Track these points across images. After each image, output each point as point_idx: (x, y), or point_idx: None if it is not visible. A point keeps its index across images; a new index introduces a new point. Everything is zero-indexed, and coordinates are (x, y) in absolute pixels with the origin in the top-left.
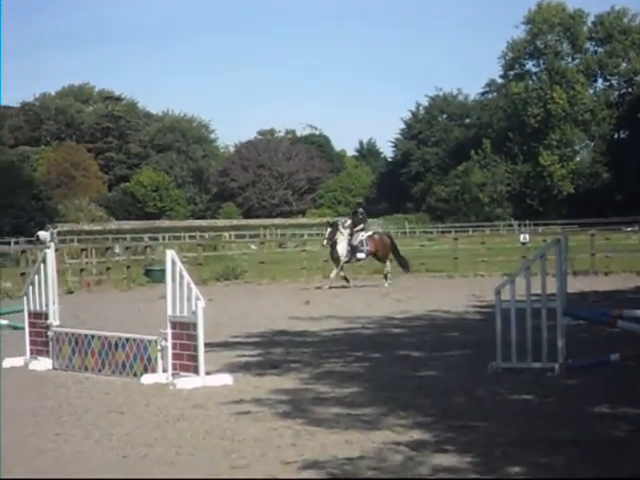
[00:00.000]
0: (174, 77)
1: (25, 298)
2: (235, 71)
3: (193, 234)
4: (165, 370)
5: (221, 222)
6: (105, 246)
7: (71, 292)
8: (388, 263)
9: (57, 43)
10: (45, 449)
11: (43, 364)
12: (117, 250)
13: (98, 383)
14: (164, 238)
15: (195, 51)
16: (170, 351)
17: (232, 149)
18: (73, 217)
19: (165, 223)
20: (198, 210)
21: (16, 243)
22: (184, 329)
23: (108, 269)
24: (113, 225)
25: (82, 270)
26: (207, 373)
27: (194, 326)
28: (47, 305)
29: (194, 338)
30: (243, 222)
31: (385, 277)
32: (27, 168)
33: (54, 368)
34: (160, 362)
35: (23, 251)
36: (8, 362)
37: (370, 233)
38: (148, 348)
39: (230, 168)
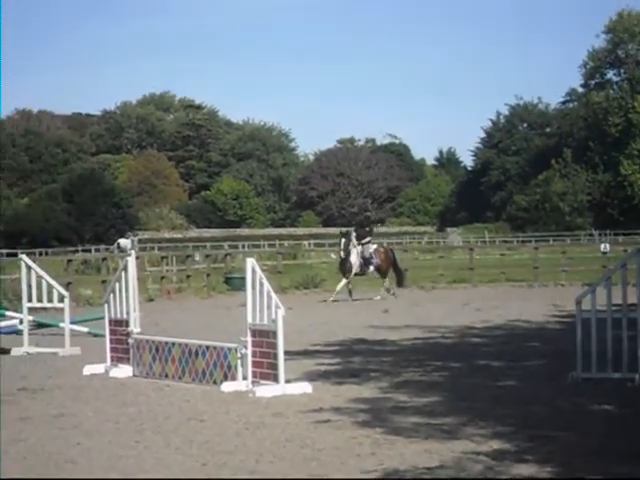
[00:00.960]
0: (255, 86)
1: (106, 305)
2: (315, 80)
3: (272, 242)
4: (245, 378)
5: (300, 230)
6: (185, 254)
7: (151, 300)
8: (387, 278)
9: (138, 51)
10: (126, 456)
11: (124, 371)
12: (197, 258)
13: (178, 390)
14: (244, 246)
15: (275, 60)
16: (250, 359)
17: (312, 157)
18: (154, 225)
19: (245, 231)
20: (277, 218)
21: (97, 251)
22: (264, 337)
23: (188, 277)
24: (193, 233)
25: (162, 278)
26: (287, 381)
27: (274, 334)
28: (128, 312)
29: (274, 346)
30: (322, 230)
31: (387, 290)
32: (108, 176)
33: (134, 375)
34: (240, 370)
35: (104, 259)
36: (89, 369)
37: (375, 246)
38: (228, 356)
39: (310, 176)
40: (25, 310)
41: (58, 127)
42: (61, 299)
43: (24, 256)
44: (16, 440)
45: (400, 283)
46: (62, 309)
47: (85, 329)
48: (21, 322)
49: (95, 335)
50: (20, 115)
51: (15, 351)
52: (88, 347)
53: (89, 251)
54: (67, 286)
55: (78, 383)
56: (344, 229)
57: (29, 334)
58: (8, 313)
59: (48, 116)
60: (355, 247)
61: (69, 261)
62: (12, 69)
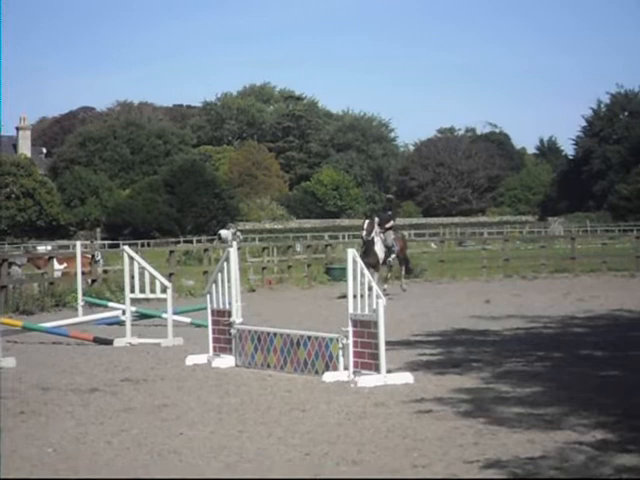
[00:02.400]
0: (354, 76)
1: (208, 296)
2: (415, 70)
3: None
4: (346, 368)
5: (400, 221)
6: (286, 244)
7: (253, 290)
8: (403, 267)
9: (239, 43)
10: (228, 446)
11: (226, 361)
12: (298, 248)
13: (280, 380)
14: (344, 237)
15: (374, 50)
16: (351, 349)
17: (412, 147)
18: (255, 216)
19: (345, 222)
20: (377, 209)
21: (198, 242)
22: (365, 327)
23: (289, 267)
24: (294, 224)
25: (264, 268)
26: (388, 371)
27: (375, 324)
28: (230, 303)
29: (375, 336)
30: (422, 220)
31: (385, 280)
32: (209, 167)
33: (237, 365)
34: (341, 360)
35: (205, 249)
36: (191, 360)
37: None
38: (330, 346)
39: (410, 166)
40: (128, 301)
41: (159, 119)
42: (164, 290)
43: (126, 247)
44: (120, 431)
45: (408, 271)
46: (164, 300)
47: (187, 320)
48: (124, 313)
49: (197, 325)
50: (121, 107)
51: (118, 342)
52: (190, 337)
53: (191, 242)
54: (169, 277)
55: (181, 374)
56: (367, 212)
57: (132, 325)
58: (111, 304)
59: (149, 108)
60: (378, 235)
61: (171, 252)
62: (112, 61)
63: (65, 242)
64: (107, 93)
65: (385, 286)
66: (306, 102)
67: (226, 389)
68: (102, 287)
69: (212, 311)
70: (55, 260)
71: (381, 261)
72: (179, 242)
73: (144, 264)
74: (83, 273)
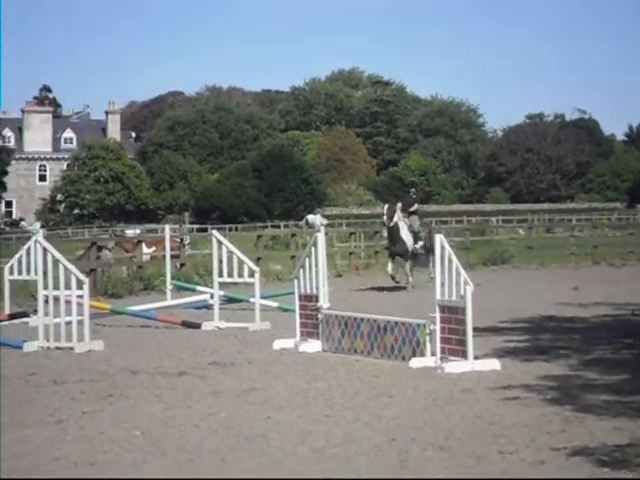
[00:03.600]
0: (442, 62)
1: (296, 281)
2: (504, 56)
3: (460, 219)
4: (433, 354)
5: (488, 207)
6: (373, 230)
7: (340, 275)
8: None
9: (328, 28)
10: (315, 430)
11: (313, 346)
12: (385, 234)
13: (367, 366)
14: (431, 222)
15: (461, 35)
16: (439, 335)
17: (500, 133)
18: (342, 201)
19: (432, 207)
20: (465, 195)
21: (286, 226)
22: (453, 313)
23: (376, 253)
24: (381, 209)
25: (351, 254)
26: (475, 357)
27: (463, 310)
28: (317, 288)
29: (462, 322)
30: (510, 207)
31: (409, 273)
32: (297, 152)
33: (324, 350)
34: (429, 346)
35: (293, 234)
36: (278, 344)
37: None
38: (417, 332)
39: (498, 152)
40: (216, 285)
41: (248, 104)
42: (251, 274)
43: (215, 231)
44: (207, 414)
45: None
46: (252, 284)
47: (275, 304)
48: (212, 297)
49: (285, 310)
50: (210, 91)
51: (206, 325)
52: (278, 322)
53: (278, 227)
54: (257, 261)
55: (268, 358)
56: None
57: (219, 309)
58: (199, 288)
59: (238, 93)
60: (402, 220)
61: (259, 237)
62: (202, 46)
63: (153, 226)
64: (196, 78)
65: (410, 279)
66: (394, 87)
67: (313, 374)
68: (190, 271)
69: (299, 296)
70: (144, 244)
71: (409, 248)
72: (266, 227)
73: (232, 248)
74: (172, 257)
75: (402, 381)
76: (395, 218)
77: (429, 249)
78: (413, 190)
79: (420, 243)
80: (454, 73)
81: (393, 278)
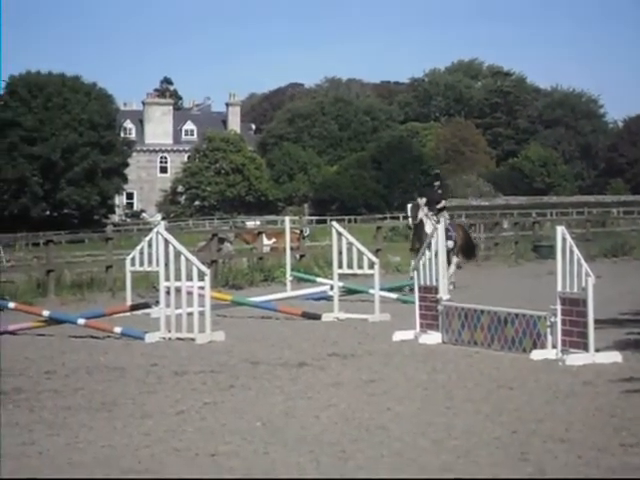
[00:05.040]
0: (563, 52)
1: (415, 272)
2: (625, 46)
3: (581, 210)
4: (554, 346)
5: (609, 198)
6: (493, 221)
7: (459, 267)
8: (459, 256)
9: (449, 18)
10: (436, 422)
11: (433, 338)
12: (505, 225)
13: (487, 358)
14: (551, 214)
15: (581, 26)
16: (559, 327)
17: (621, 124)
18: (461, 192)
19: (552, 199)
20: (585, 186)
21: (405, 218)
22: (574, 305)
23: (496, 244)
24: (501, 200)
25: None
26: (596, 350)
27: (584, 302)
28: (437, 279)
29: (584, 314)
30: (631, 198)
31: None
32: (416, 144)
33: (443, 342)
34: (549, 338)
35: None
36: (398, 335)
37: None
38: (537, 324)
39: (618, 143)
40: (335, 276)
41: (367, 95)
42: (371, 266)
43: (334, 223)
44: (328, 405)
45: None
46: (372, 276)
47: (394, 295)
48: (331, 288)
49: (404, 302)
50: (330, 83)
51: (325, 317)
52: (397, 313)
53: (397, 218)
54: (376, 253)
55: (388, 349)
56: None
57: (339, 300)
58: (319, 279)
59: (357, 84)
60: (428, 217)
61: (378, 228)
62: (321, 38)
63: (273, 217)
64: (316, 69)
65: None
66: (514, 78)
67: (433, 365)
68: (310, 262)
69: (419, 287)
70: (264, 235)
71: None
72: (385, 218)
73: (352, 240)
74: (292, 248)
75: (523, 373)
76: (420, 215)
77: (460, 248)
78: (437, 184)
79: (449, 243)
80: (575, 63)
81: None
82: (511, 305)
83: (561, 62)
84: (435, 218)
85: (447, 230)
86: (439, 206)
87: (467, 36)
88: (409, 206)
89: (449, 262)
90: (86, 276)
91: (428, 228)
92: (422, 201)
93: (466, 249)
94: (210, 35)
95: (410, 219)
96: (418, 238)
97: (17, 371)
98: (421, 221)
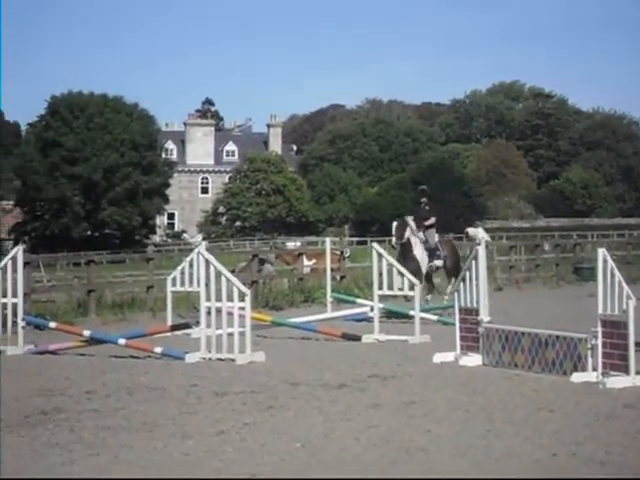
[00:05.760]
0: (604, 73)
1: (456, 294)
2: None
3: (622, 232)
4: (595, 369)
5: None
6: (534, 243)
7: (500, 289)
8: (454, 278)
9: (488, 41)
10: (475, 445)
11: (473, 360)
12: (546, 247)
13: (527, 380)
14: (592, 236)
15: (623, 47)
16: (600, 350)
17: None
18: (502, 214)
19: (594, 221)
20: (627, 208)
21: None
22: (614, 328)
23: (537, 266)
24: (541, 222)
25: (511, 267)
26: (637, 372)
27: (624, 325)
28: (478, 301)
29: (624, 337)
30: None
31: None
32: (457, 165)
33: (484, 364)
34: (590, 360)
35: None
36: (438, 357)
37: (437, 235)
38: (578, 346)
39: None
40: (376, 298)
41: (408, 116)
42: (411, 287)
43: (375, 244)
44: (367, 427)
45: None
46: (412, 297)
47: (434, 317)
48: (372, 310)
49: (444, 323)
50: (371, 104)
51: (366, 338)
52: (438, 335)
53: None
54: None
55: (428, 371)
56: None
57: (379, 322)
58: (359, 300)
59: (399, 106)
60: (416, 235)
61: None
62: (362, 59)
63: (314, 238)
64: (357, 91)
65: (428, 297)
66: (555, 100)
67: (473, 387)
68: (350, 283)
69: (460, 309)
70: (304, 256)
71: (423, 268)
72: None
73: (392, 261)
74: (332, 269)
75: (563, 396)
76: (407, 234)
77: (450, 270)
78: (424, 200)
79: (437, 262)
80: (616, 85)
81: (406, 299)
82: (552, 327)
83: (602, 84)
84: (421, 235)
85: (435, 249)
86: (427, 223)
87: (508, 58)
88: (394, 224)
89: (431, 285)
90: (127, 296)
91: (417, 249)
92: (409, 219)
93: (455, 269)
94: (251, 56)
95: (394, 239)
96: (404, 258)
97: (58, 391)
98: (408, 240)
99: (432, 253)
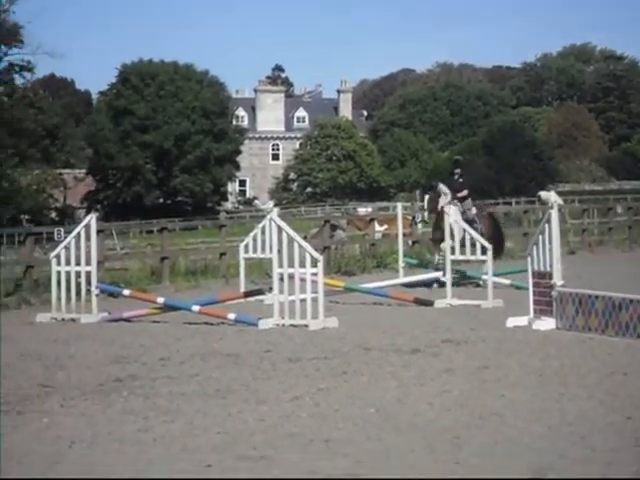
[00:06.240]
0: None
1: (529, 258)
2: None
3: None
4: None
5: None
6: (606, 206)
7: (572, 253)
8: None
9: (561, 3)
10: (550, 409)
11: (546, 324)
12: (619, 210)
13: (601, 344)
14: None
15: None
16: None
17: None
18: (574, 177)
19: None
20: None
21: (517, 203)
22: None
23: (610, 229)
24: (614, 185)
25: (584, 230)
26: None
27: None
28: (551, 265)
29: None
30: None
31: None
32: (528, 128)
33: (557, 328)
34: None
35: (525, 211)
36: (511, 322)
37: (475, 208)
38: None
39: None
40: (448, 262)
41: (479, 80)
42: (484, 251)
43: (446, 208)
44: (441, 392)
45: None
46: (485, 262)
47: (507, 281)
48: (444, 274)
49: (517, 287)
50: (441, 68)
51: (438, 303)
52: (510, 299)
53: (509, 204)
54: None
55: (501, 335)
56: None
57: (452, 286)
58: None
59: (469, 69)
60: (450, 205)
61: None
62: (433, 23)
63: (385, 204)
64: (427, 55)
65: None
66: (627, 62)
67: (546, 352)
68: (422, 249)
69: (533, 273)
70: (376, 222)
71: (457, 236)
72: (498, 204)
73: (464, 225)
74: (404, 234)
75: (637, 359)
76: (441, 204)
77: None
78: (458, 172)
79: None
80: None
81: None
82: (625, 290)
83: None
84: (460, 205)
85: (472, 221)
86: (460, 195)
87: (579, 20)
88: (426, 197)
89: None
90: (200, 263)
91: (452, 216)
92: (443, 189)
93: (494, 243)
94: (321, 22)
95: (426, 212)
96: (438, 227)
97: (132, 358)
98: (442, 210)
99: (472, 225)
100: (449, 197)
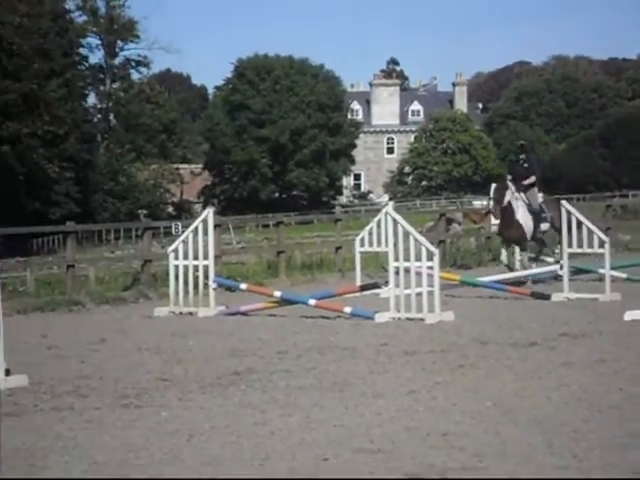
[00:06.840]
0: None
1: None
2: None
3: None
4: None
5: None
6: None
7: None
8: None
9: None
10: None
11: None
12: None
13: None
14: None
15: None
16: None
17: None
18: None
19: None
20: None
21: (634, 196)
22: None
23: None
24: None
25: None
26: None
27: None
28: None
29: None
30: None
31: (535, 259)
32: None
33: None
34: None
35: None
36: (629, 315)
37: (542, 194)
38: None
39: None
40: (565, 256)
41: (595, 72)
42: (601, 245)
43: (564, 202)
44: (559, 385)
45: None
46: (601, 255)
47: (624, 275)
48: (561, 268)
49: (634, 281)
50: (557, 61)
51: (555, 297)
52: (628, 293)
53: (626, 196)
54: (606, 231)
55: (619, 329)
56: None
57: (569, 280)
58: (548, 259)
59: (585, 61)
60: (517, 198)
61: (607, 206)
62: (548, 15)
63: None
64: (543, 47)
65: (533, 266)
66: None
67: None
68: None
69: None
70: (492, 215)
71: (528, 235)
72: (614, 196)
73: (582, 218)
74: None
75: None
76: (507, 197)
77: (559, 230)
78: (523, 157)
79: (544, 226)
80: None
81: (509, 269)
82: None
83: None
84: (525, 198)
85: (540, 212)
86: (527, 182)
87: None
88: (493, 187)
89: (542, 246)
90: (316, 257)
91: (520, 214)
92: (509, 181)
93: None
94: (436, 15)
95: (492, 203)
96: (506, 224)
97: (250, 351)
98: (509, 204)
99: (537, 217)
100: (514, 190)
